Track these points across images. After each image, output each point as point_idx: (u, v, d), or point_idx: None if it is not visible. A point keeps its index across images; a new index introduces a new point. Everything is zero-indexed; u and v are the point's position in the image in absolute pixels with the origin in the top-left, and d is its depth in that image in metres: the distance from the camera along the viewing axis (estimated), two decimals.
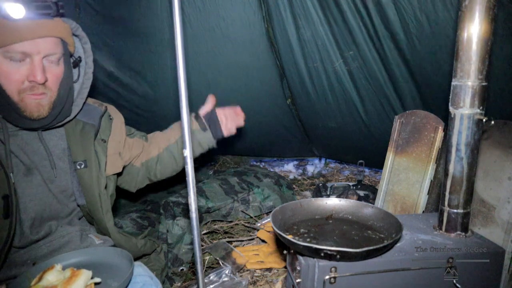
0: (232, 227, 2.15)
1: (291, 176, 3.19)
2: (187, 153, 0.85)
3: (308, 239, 1.08)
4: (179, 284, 1.75)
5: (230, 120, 1.60)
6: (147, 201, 2.57)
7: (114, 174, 1.37)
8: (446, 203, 1.09)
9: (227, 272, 1.66)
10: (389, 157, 1.88)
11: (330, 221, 1.21)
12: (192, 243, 1.75)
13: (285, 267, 1.43)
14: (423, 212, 1.71)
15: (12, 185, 1.08)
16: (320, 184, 2.62)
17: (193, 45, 2.45)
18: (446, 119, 1.09)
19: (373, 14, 1.97)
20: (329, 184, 2.61)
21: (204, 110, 1.58)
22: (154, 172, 1.56)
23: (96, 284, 1.00)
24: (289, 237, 1.02)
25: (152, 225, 2.11)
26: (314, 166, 3.44)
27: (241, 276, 1.72)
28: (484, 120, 1.01)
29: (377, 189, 2.07)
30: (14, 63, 1.05)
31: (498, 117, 1.37)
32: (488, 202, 1.46)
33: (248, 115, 2.93)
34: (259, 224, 2.15)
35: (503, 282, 1.31)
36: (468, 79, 1.00)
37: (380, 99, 2.41)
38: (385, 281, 0.99)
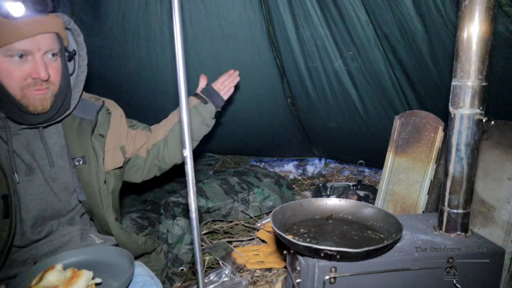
0: (232, 227, 2.15)
1: (291, 176, 3.19)
2: (187, 153, 0.85)
3: (308, 239, 1.08)
4: (179, 284, 1.75)
5: (227, 83, 1.69)
6: (147, 201, 2.57)
7: (115, 169, 1.37)
8: (446, 203, 1.09)
9: (227, 272, 1.66)
10: (389, 157, 1.88)
11: (330, 221, 1.21)
12: (192, 243, 1.75)
13: (285, 267, 1.43)
14: (423, 212, 1.71)
15: (12, 185, 1.08)
16: (320, 184, 2.62)
17: (194, 44, 2.45)
18: (446, 119, 1.09)
19: (371, 14, 1.97)
20: (329, 184, 2.61)
21: (199, 87, 1.68)
22: (163, 156, 1.55)
23: (97, 284, 1.00)
24: (289, 237, 1.02)
25: (152, 225, 2.11)
26: (314, 166, 3.44)
27: (241, 276, 1.72)
28: (484, 120, 1.01)
29: (377, 189, 2.07)
30: (15, 61, 1.06)
31: (498, 117, 1.37)
32: (488, 202, 1.46)
33: (248, 114, 2.95)
34: (259, 224, 2.15)
35: (503, 282, 1.31)
36: (468, 79, 1.00)
37: (380, 98, 2.42)
38: (385, 281, 0.99)
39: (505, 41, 1.64)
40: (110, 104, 1.42)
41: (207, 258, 1.83)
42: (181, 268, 1.84)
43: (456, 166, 1.05)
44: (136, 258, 1.42)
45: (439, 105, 2.15)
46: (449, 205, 1.09)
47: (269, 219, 1.43)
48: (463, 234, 1.09)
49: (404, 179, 1.80)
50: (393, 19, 1.90)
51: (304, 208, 1.24)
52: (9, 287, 1.02)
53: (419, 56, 1.99)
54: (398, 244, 1.05)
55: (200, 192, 2.18)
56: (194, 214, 0.88)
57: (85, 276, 0.97)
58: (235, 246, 1.94)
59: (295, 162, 3.55)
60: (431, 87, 2.14)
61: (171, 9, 0.77)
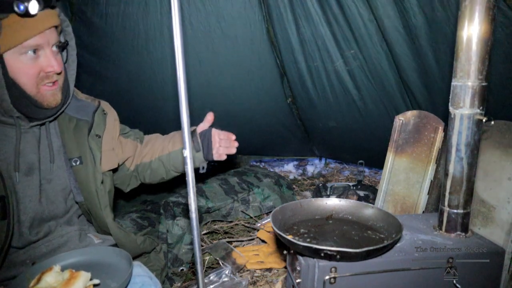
0: (232, 227, 2.15)
1: (291, 176, 3.19)
2: (187, 153, 0.85)
3: (308, 239, 1.08)
4: (179, 284, 1.75)
5: (223, 145, 1.54)
6: (147, 201, 2.57)
7: (110, 170, 1.37)
8: (446, 203, 1.09)
9: (227, 272, 1.66)
10: (389, 157, 1.88)
11: (330, 221, 1.21)
12: (192, 243, 1.75)
13: (285, 267, 1.43)
14: (423, 212, 1.71)
15: (9, 186, 1.08)
16: (320, 184, 2.62)
17: (194, 44, 2.45)
18: (446, 119, 1.09)
19: (374, 10, 1.96)
20: (329, 184, 2.60)
21: (201, 127, 1.54)
22: (143, 176, 1.57)
23: (95, 285, 1.00)
24: (289, 237, 1.02)
25: (152, 225, 2.11)
26: (314, 166, 3.44)
27: (241, 276, 1.72)
28: (484, 120, 1.01)
29: (377, 189, 2.07)
30: (29, 58, 1.08)
31: (498, 117, 1.37)
32: (488, 203, 1.46)
33: (248, 114, 2.95)
34: (259, 224, 2.14)
35: (503, 282, 1.31)
36: (468, 79, 1.00)
37: (381, 97, 2.41)
38: (385, 281, 0.99)
39: (505, 36, 1.64)
40: (105, 105, 1.42)
41: (207, 258, 1.82)
42: (181, 268, 1.84)
43: (456, 166, 1.05)
44: (135, 257, 1.41)
45: (440, 104, 2.15)
46: (449, 205, 1.08)
47: (269, 219, 1.43)
48: (463, 234, 1.09)
49: (404, 179, 1.80)
50: (396, 14, 1.89)
51: (304, 208, 1.23)
52: None
53: (422, 54, 1.98)
54: (398, 244, 1.05)
55: (200, 192, 2.18)
56: (194, 214, 0.88)
57: (83, 277, 0.97)
58: (235, 246, 1.94)
59: (295, 162, 3.55)
60: (433, 86, 2.14)
61: (170, 9, 0.77)
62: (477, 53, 0.98)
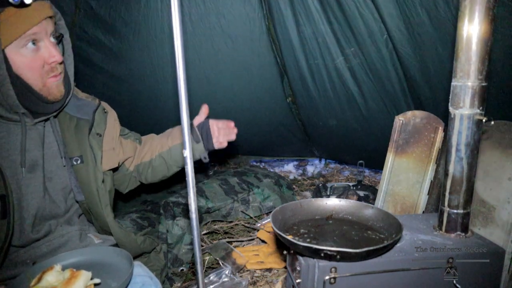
0: (232, 228, 2.15)
1: (291, 177, 3.19)
2: (187, 153, 0.85)
3: (308, 240, 1.08)
4: (179, 284, 1.75)
5: (223, 133, 1.55)
6: (147, 201, 2.57)
7: (110, 170, 1.37)
8: (446, 203, 1.09)
9: (227, 272, 1.66)
10: (389, 157, 1.88)
11: (330, 222, 1.21)
12: (192, 243, 1.75)
13: (285, 267, 1.43)
14: (423, 212, 1.71)
15: (9, 184, 1.08)
16: (320, 185, 2.62)
17: (194, 42, 2.45)
18: (446, 119, 1.09)
19: (374, 10, 1.96)
20: (329, 185, 2.60)
21: (197, 120, 1.55)
22: (145, 176, 1.57)
23: (95, 285, 1.00)
24: (289, 237, 1.02)
25: (152, 226, 2.11)
26: (314, 167, 3.44)
27: (241, 276, 1.72)
28: (484, 120, 1.01)
29: (377, 190, 2.07)
30: (30, 51, 1.07)
31: (498, 117, 1.37)
32: (488, 203, 1.46)
33: (248, 113, 2.95)
34: (259, 225, 2.14)
35: (503, 282, 1.31)
36: (468, 80, 1.00)
37: (381, 95, 2.41)
38: (385, 282, 0.99)
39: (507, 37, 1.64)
40: (104, 105, 1.42)
41: (207, 258, 1.82)
42: (181, 268, 1.84)
43: (456, 166, 1.05)
44: (136, 257, 1.42)
45: (440, 104, 2.15)
46: (449, 205, 1.09)
47: (269, 219, 1.43)
48: (463, 234, 1.09)
49: (404, 179, 1.80)
50: (398, 12, 1.88)
51: (304, 208, 1.23)
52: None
53: (424, 51, 1.98)
54: (398, 244, 1.05)
55: (200, 192, 2.18)
56: (194, 215, 0.88)
57: (84, 276, 0.97)
58: (235, 246, 1.94)
59: (295, 163, 3.55)
60: (435, 85, 2.13)
61: (170, 6, 0.77)
62: (477, 53, 0.98)
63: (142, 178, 1.59)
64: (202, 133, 1.52)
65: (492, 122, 1.02)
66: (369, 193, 2.36)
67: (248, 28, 2.40)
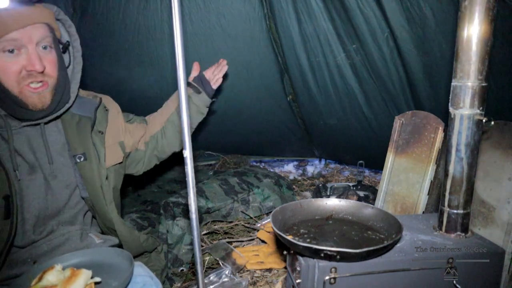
0: (232, 228, 2.15)
1: (291, 177, 3.19)
2: (187, 153, 0.85)
3: (308, 240, 1.08)
4: (179, 284, 1.75)
5: (216, 72, 1.73)
6: (147, 201, 2.57)
7: (115, 165, 1.38)
8: (446, 203, 1.09)
9: (227, 272, 1.66)
10: (389, 157, 1.88)
11: (330, 222, 1.21)
12: (192, 243, 1.75)
13: (285, 267, 1.43)
14: (423, 212, 1.71)
15: (13, 185, 1.08)
16: (320, 185, 2.62)
17: (193, 41, 2.46)
18: (446, 119, 1.09)
19: (376, 7, 1.96)
20: (329, 185, 2.60)
21: (192, 76, 1.69)
22: (162, 147, 1.59)
23: (96, 283, 1.00)
24: (289, 237, 1.02)
25: (152, 226, 2.11)
26: (314, 167, 3.44)
27: (241, 276, 1.72)
28: (484, 120, 1.01)
29: (377, 190, 2.07)
30: (10, 56, 1.05)
31: (498, 117, 1.37)
32: (488, 203, 1.46)
33: (248, 111, 2.95)
34: (259, 225, 2.14)
35: (503, 282, 1.31)
36: (468, 80, 1.00)
37: (382, 94, 2.41)
38: (385, 282, 0.99)
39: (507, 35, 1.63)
40: (107, 100, 1.42)
41: (207, 258, 1.82)
42: (181, 269, 1.84)
43: (456, 166, 1.05)
44: (136, 257, 1.42)
45: (440, 104, 2.15)
46: (449, 206, 1.09)
47: (269, 220, 1.43)
48: (463, 234, 1.09)
49: (404, 180, 1.80)
50: (401, 8, 1.88)
51: (304, 209, 1.24)
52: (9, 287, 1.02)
53: (427, 50, 1.97)
54: (398, 245, 1.05)
55: (200, 193, 2.18)
56: (194, 215, 0.88)
57: (84, 275, 0.98)
58: (235, 247, 1.94)
59: (295, 163, 3.55)
60: (437, 84, 2.13)
61: (171, 6, 0.78)
62: (477, 53, 0.98)
63: (159, 152, 1.61)
64: (199, 84, 1.67)
65: (492, 123, 1.01)
66: (369, 193, 2.37)
67: (248, 27, 2.40)
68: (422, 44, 1.98)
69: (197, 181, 2.52)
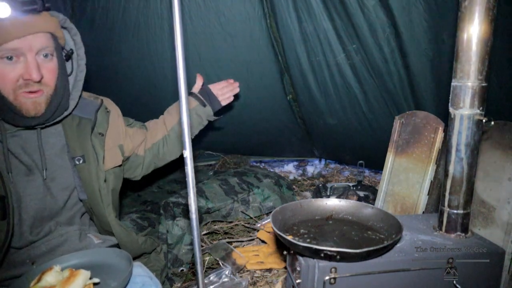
0: (232, 228, 2.15)
1: (291, 177, 3.19)
2: (187, 154, 0.85)
3: (308, 240, 1.08)
4: (179, 284, 1.75)
5: (226, 91, 1.70)
6: (147, 201, 2.57)
7: (114, 168, 1.37)
8: (446, 203, 1.09)
9: (227, 272, 1.66)
10: (389, 157, 1.88)
11: (330, 222, 1.21)
12: (192, 243, 1.75)
13: (285, 267, 1.43)
14: (423, 212, 1.71)
15: (9, 186, 1.08)
16: (320, 185, 2.62)
17: (193, 39, 2.46)
18: (446, 119, 1.09)
19: (377, 5, 1.95)
20: (329, 185, 2.60)
21: (195, 88, 1.67)
22: (163, 154, 1.59)
23: (95, 284, 1.00)
24: (289, 237, 1.02)
25: (152, 226, 2.11)
26: (314, 167, 3.44)
27: (241, 276, 1.72)
28: (484, 120, 1.01)
29: (377, 190, 2.07)
30: (8, 63, 1.05)
31: (498, 117, 1.37)
32: (488, 203, 1.46)
33: (247, 111, 2.94)
34: (259, 225, 2.14)
35: (503, 282, 1.31)
36: (468, 80, 1.00)
37: (382, 94, 2.41)
38: (385, 282, 0.99)
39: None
40: (107, 102, 1.42)
41: (207, 258, 1.82)
42: (181, 269, 1.84)
43: (456, 166, 1.05)
44: (136, 258, 1.41)
45: (440, 104, 2.15)
46: (449, 206, 1.08)
47: (269, 220, 1.43)
48: (463, 234, 1.09)
49: (404, 180, 1.80)
50: (401, 7, 1.88)
51: (304, 209, 1.23)
52: None
53: (430, 49, 1.97)
54: (398, 245, 1.05)
55: (200, 193, 2.18)
56: (194, 215, 0.88)
57: (83, 275, 0.98)
58: (235, 247, 1.94)
59: (295, 163, 3.54)
60: (439, 84, 2.13)
61: (171, 4, 0.77)
62: (477, 53, 0.98)
63: (159, 159, 1.60)
64: (205, 97, 1.64)
65: (492, 123, 1.01)
66: (369, 193, 2.36)
67: (247, 26, 2.40)
68: (423, 44, 1.98)
69: (197, 181, 2.52)
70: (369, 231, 1.14)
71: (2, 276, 1.12)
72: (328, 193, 2.47)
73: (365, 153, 2.81)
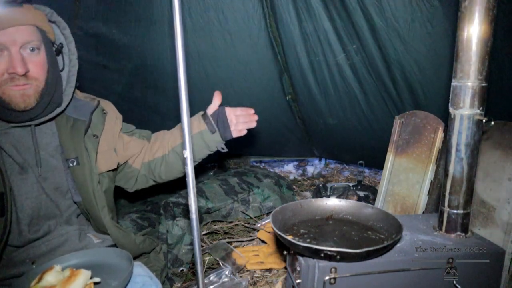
0: (232, 228, 2.15)
1: (291, 177, 3.19)
2: (187, 154, 0.85)
3: (308, 240, 1.08)
4: (179, 284, 1.75)
5: (242, 120, 1.48)
6: (147, 201, 2.57)
7: (108, 171, 1.35)
8: (446, 203, 1.09)
9: (227, 272, 1.66)
10: (389, 157, 1.88)
11: (330, 222, 1.21)
12: (192, 243, 1.75)
13: (285, 267, 1.43)
14: (423, 212, 1.71)
15: (8, 182, 1.08)
16: (320, 185, 2.62)
17: (193, 36, 2.45)
18: (446, 119, 1.09)
19: (377, 4, 1.95)
20: (329, 185, 2.60)
21: (211, 108, 1.47)
22: (159, 173, 1.50)
23: (95, 283, 1.00)
24: (289, 237, 1.02)
25: (152, 226, 2.11)
26: (314, 167, 3.45)
27: (241, 276, 1.72)
28: (484, 120, 1.01)
29: (377, 190, 2.07)
30: None
31: (498, 117, 1.37)
32: (488, 203, 1.46)
33: None
34: (259, 225, 2.14)
35: (503, 282, 1.31)
36: (468, 80, 1.00)
37: (382, 94, 2.41)
38: (385, 282, 0.99)
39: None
40: (105, 104, 1.40)
41: (207, 258, 1.82)
42: (181, 269, 1.84)
43: (456, 166, 1.05)
44: (135, 258, 1.41)
45: (441, 104, 2.15)
46: (449, 206, 1.09)
47: (269, 220, 1.43)
48: (463, 234, 1.09)
49: (404, 180, 1.80)
50: (402, 6, 1.87)
51: (304, 209, 1.23)
52: None
53: (432, 48, 1.97)
54: (398, 245, 1.05)
55: (200, 193, 2.18)
56: (194, 215, 0.88)
57: (83, 275, 0.98)
58: (235, 247, 1.94)
59: (295, 163, 3.55)
60: (436, 84, 2.13)
61: (171, 1, 0.77)
62: (477, 53, 0.98)
63: (155, 176, 1.51)
64: (218, 122, 1.44)
65: (492, 123, 1.01)
66: (369, 193, 2.37)
67: (246, 24, 2.40)
68: (423, 44, 1.98)
69: (197, 181, 2.52)
70: (369, 231, 1.14)
71: (2, 275, 1.12)
72: (328, 193, 2.47)
73: (365, 153, 2.81)
